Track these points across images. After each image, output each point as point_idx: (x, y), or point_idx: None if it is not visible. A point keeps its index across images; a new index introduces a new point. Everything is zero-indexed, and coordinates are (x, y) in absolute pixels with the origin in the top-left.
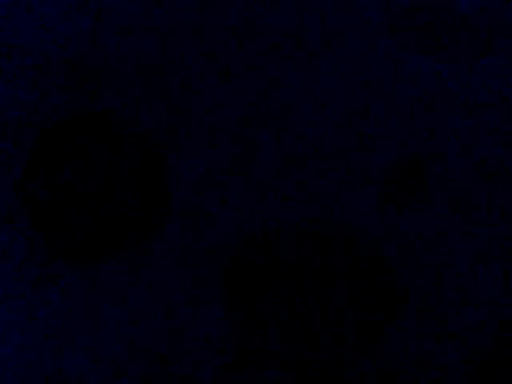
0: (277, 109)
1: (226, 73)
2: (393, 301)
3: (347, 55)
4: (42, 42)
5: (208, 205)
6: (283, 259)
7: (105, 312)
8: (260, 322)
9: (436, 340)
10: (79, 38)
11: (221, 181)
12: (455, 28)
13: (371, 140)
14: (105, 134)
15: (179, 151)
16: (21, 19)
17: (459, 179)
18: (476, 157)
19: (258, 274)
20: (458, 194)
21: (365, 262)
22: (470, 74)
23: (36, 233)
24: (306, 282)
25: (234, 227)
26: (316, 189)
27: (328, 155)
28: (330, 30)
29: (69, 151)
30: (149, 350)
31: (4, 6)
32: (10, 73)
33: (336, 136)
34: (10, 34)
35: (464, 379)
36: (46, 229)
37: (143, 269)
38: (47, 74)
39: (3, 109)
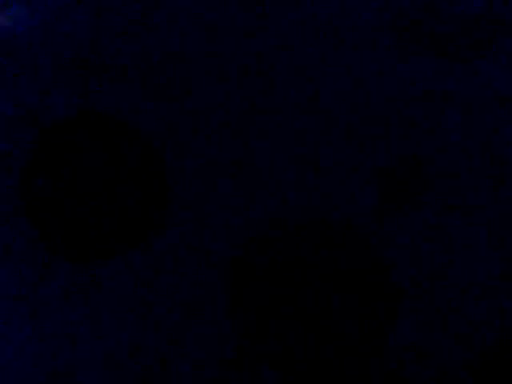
0: (276, 109)
1: (227, 72)
2: (392, 300)
3: (347, 55)
4: (41, 42)
5: (208, 205)
6: (283, 259)
7: (105, 312)
8: (260, 322)
9: (437, 339)
10: (79, 37)
11: (221, 181)
12: (455, 28)
13: (371, 140)
14: (105, 133)
15: (179, 151)
16: (21, 19)
17: (459, 179)
18: (476, 157)
19: (257, 273)
20: (457, 193)
21: (364, 262)
22: (470, 73)
23: (36, 232)
24: (305, 281)
25: (233, 227)
26: (316, 189)
27: (327, 155)
28: (330, 30)
29: (69, 151)
30: (149, 349)
31: (4, 5)
32: (10, 73)
33: (336, 136)
34: (9, 34)
35: (466, 378)
36: (46, 229)
37: (143, 269)
38: (47, 74)
39: (3, 109)
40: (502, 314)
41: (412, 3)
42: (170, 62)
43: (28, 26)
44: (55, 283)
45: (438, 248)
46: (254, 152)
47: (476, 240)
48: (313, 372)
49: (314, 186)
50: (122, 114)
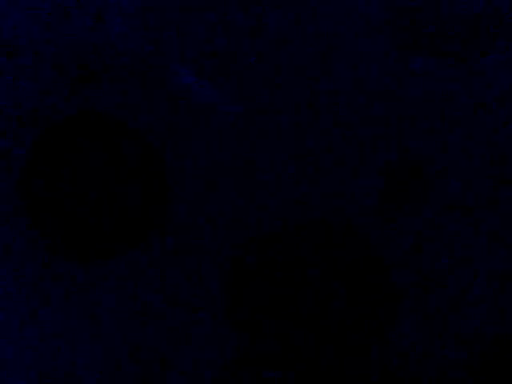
0: (276, 109)
1: (226, 72)
2: (392, 300)
3: (347, 55)
4: (41, 42)
5: (208, 205)
6: (283, 259)
7: (105, 312)
8: (260, 322)
9: (436, 339)
10: (79, 37)
11: (221, 181)
12: (455, 28)
13: (371, 140)
14: (104, 133)
15: (179, 151)
16: (20, 19)
17: (459, 179)
18: (476, 157)
19: (257, 274)
20: (458, 193)
21: (364, 262)
22: (471, 74)
23: (36, 232)
24: (305, 281)
25: (233, 227)
26: (315, 189)
27: (327, 155)
28: (330, 30)
29: (69, 151)
30: (149, 349)
31: (3, 5)
32: (10, 73)
33: (336, 136)
34: (9, 34)
35: (465, 378)
36: (46, 228)
37: (143, 269)
38: (47, 74)
39: (3, 109)
40: (502, 313)
41: (412, 3)
42: (169, 62)
43: (28, 26)
44: (55, 283)
45: (438, 248)
46: (254, 152)
47: (476, 240)
48: (313, 372)
49: (313, 186)
50: (121, 114)
